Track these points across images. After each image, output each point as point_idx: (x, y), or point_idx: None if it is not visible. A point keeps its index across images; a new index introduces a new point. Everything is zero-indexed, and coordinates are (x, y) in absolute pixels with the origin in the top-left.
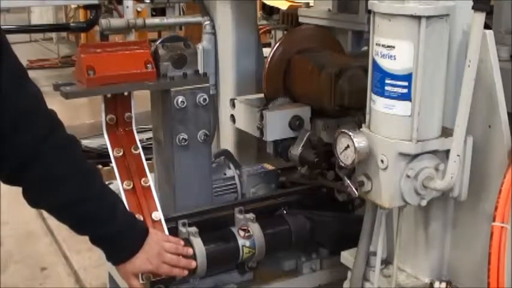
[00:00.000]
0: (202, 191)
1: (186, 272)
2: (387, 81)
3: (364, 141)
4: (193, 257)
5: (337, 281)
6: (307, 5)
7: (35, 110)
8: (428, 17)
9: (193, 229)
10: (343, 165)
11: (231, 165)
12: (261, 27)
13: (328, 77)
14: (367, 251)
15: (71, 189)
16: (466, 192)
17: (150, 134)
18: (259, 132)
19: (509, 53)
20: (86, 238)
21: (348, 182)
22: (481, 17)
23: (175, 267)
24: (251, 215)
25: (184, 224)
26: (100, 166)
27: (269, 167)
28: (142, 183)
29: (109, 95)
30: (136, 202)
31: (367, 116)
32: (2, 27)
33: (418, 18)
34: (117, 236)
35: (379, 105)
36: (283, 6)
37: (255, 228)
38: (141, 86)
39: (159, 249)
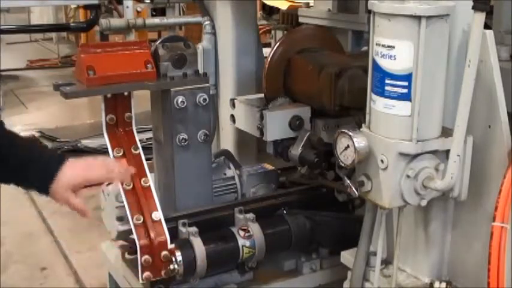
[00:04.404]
0: (202, 191)
1: (127, 177)
2: (387, 81)
3: (364, 141)
4: (193, 256)
5: (337, 281)
6: (307, 5)
7: None
8: (428, 17)
9: (193, 229)
10: (343, 165)
11: (231, 165)
12: (261, 27)
13: (328, 77)
14: (367, 251)
15: None
16: (466, 192)
17: (150, 134)
18: (259, 132)
19: (509, 53)
20: (86, 238)
21: (348, 182)
22: (481, 17)
23: (111, 173)
24: (251, 215)
25: (184, 224)
26: None
27: (269, 167)
28: (142, 183)
29: (109, 95)
30: (137, 202)
31: (367, 116)
32: (2, 27)
33: (418, 18)
34: (38, 159)
35: (379, 105)
36: (283, 6)
37: (255, 228)
38: (141, 86)
39: (87, 162)
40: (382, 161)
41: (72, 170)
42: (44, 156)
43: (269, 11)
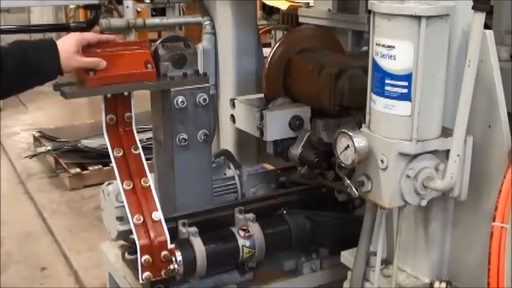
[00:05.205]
0: (202, 191)
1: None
2: (387, 81)
3: (364, 141)
4: (193, 256)
5: (337, 281)
6: (307, 5)
7: None
8: (428, 17)
9: (193, 229)
10: (343, 165)
11: (231, 165)
12: (261, 27)
13: (328, 77)
14: (367, 251)
15: None
16: (466, 192)
17: (150, 134)
18: (259, 132)
19: (509, 53)
20: (86, 238)
21: (348, 182)
22: (481, 17)
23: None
24: (251, 215)
25: (184, 224)
26: (100, 166)
27: (269, 167)
28: (142, 183)
29: (109, 95)
30: (137, 202)
31: (367, 116)
32: (2, 27)
33: (418, 18)
34: (38, 57)
35: (379, 105)
36: (283, 6)
37: (255, 228)
38: (141, 86)
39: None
40: (382, 161)
41: (66, 40)
42: (39, 48)
43: (269, 11)
